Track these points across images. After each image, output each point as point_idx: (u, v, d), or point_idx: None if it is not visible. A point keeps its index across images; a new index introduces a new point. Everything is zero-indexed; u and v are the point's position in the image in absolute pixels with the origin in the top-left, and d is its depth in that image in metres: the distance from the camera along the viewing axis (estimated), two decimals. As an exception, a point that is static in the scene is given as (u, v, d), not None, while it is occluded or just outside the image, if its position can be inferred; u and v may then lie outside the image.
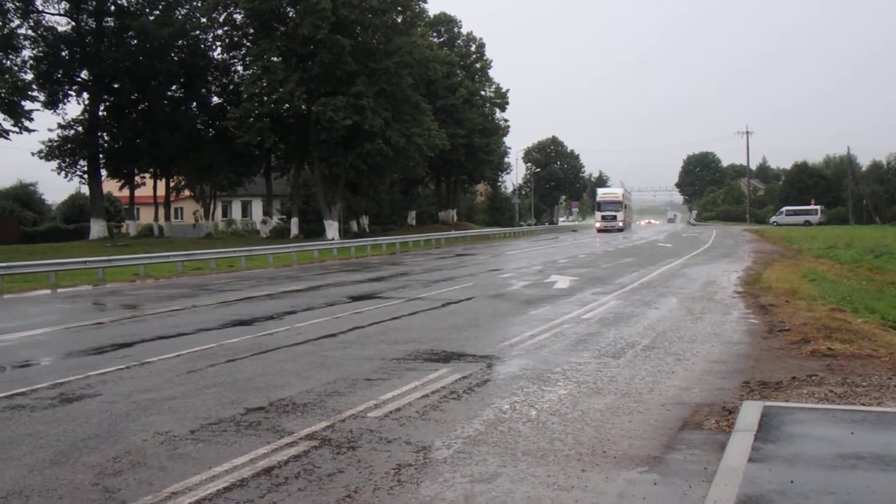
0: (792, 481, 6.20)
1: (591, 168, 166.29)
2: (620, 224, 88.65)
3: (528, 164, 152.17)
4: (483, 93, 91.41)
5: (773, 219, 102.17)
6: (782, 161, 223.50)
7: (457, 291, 23.16)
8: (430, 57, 67.22)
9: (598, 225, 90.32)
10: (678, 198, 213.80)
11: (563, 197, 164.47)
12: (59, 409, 9.53)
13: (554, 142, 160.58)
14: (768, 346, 13.10)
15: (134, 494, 6.44)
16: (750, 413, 8.27)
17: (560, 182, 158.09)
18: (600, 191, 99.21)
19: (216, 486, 6.59)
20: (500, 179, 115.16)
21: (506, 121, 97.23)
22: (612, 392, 9.85)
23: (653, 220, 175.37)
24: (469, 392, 9.94)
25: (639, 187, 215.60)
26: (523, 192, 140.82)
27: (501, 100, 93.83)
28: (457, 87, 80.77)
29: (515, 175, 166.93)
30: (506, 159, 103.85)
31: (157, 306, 20.88)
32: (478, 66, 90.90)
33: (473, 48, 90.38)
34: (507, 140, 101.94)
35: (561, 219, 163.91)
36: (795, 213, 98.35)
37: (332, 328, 15.90)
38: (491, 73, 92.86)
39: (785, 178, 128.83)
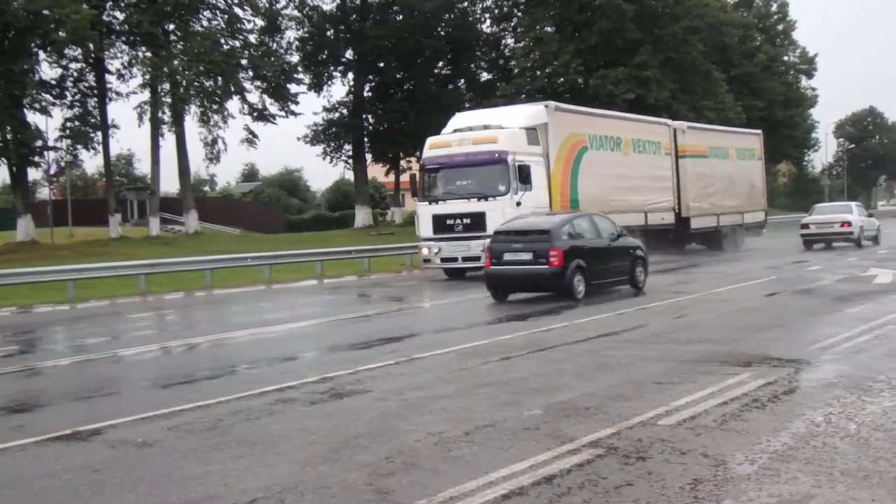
0: None
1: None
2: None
3: (840, 140, 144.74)
4: (786, 58, 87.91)
5: None
6: None
7: (756, 286, 22.46)
8: (724, 20, 65.50)
9: (424, 250, 28.45)
10: None
11: (883, 177, 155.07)
12: (329, 404, 10.06)
13: (871, 113, 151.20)
14: None
15: (408, 497, 6.67)
16: None
17: (879, 160, 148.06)
18: (452, 122, 35.96)
19: (494, 492, 6.71)
20: (806, 158, 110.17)
21: (813, 90, 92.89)
22: (951, 406, 9.22)
23: None
24: (774, 400, 9.61)
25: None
26: (834, 172, 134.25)
27: (808, 66, 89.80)
28: (754, 53, 77.97)
29: (825, 152, 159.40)
30: (813, 134, 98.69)
31: (423, 299, 21.59)
32: (779, 27, 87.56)
33: (774, 8, 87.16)
34: (815, 112, 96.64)
35: (880, 203, 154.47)
36: None
37: (614, 325, 15.86)
38: (795, 35, 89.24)
39: None
